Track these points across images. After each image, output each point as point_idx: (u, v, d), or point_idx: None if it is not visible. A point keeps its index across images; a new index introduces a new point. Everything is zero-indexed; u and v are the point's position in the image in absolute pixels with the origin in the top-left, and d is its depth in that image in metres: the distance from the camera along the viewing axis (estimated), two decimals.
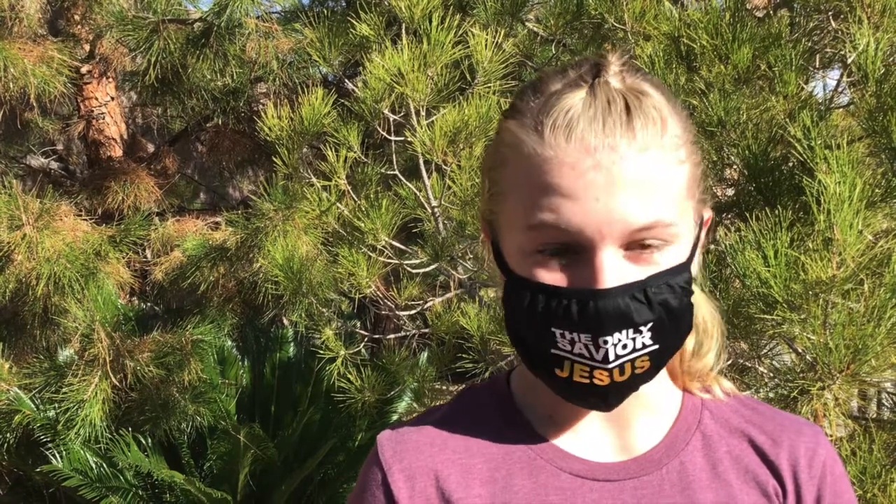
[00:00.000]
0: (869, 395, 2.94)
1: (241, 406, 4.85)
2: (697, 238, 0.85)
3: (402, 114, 2.53)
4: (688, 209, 0.83)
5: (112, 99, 5.43)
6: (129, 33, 4.13)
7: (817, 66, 2.56)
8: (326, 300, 2.93)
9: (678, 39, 2.29)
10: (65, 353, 4.38)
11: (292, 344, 5.21)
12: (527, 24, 3.15)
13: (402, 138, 2.54)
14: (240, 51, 4.39)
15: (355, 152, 2.56)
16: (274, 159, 2.69)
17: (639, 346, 0.79)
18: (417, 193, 2.60)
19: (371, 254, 2.60)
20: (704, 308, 0.95)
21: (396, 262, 2.64)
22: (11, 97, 4.19)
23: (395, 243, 2.59)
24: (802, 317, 1.77)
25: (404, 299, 2.99)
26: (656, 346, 0.80)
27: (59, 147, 6.32)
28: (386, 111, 2.51)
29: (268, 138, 2.68)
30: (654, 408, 0.90)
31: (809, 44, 2.48)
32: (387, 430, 0.92)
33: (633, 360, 0.80)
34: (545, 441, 0.88)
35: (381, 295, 2.91)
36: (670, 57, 2.28)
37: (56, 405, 3.80)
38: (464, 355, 2.75)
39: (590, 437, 0.89)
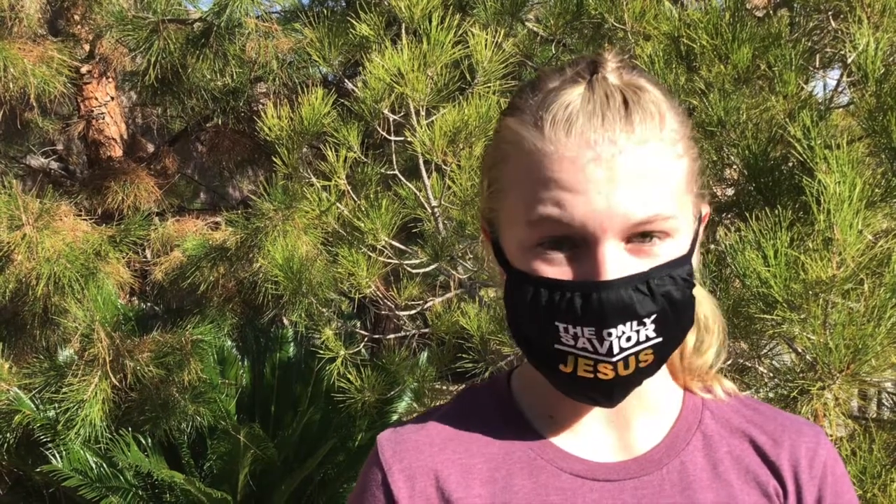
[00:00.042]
0: (869, 395, 2.94)
1: (241, 406, 4.85)
2: (697, 232, 0.86)
3: (401, 114, 2.53)
4: (687, 203, 0.83)
5: (112, 99, 5.43)
6: (128, 33, 4.13)
7: (817, 65, 2.56)
8: (326, 300, 2.93)
9: (678, 39, 2.29)
10: (65, 353, 4.38)
11: (292, 344, 5.20)
12: (527, 23, 3.15)
13: (401, 138, 2.54)
14: (240, 51, 4.39)
15: (355, 152, 2.56)
16: (274, 159, 2.68)
17: (643, 338, 0.79)
18: (417, 193, 2.59)
19: (371, 254, 2.60)
20: (706, 305, 0.95)
21: (396, 262, 2.64)
22: (11, 97, 4.19)
23: (394, 243, 2.59)
24: (802, 317, 1.77)
25: (404, 299, 2.99)
26: (660, 339, 0.80)
27: (59, 147, 6.31)
28: (386, 111, 2.51)
29: (268, 138, 2.67)
30: (654, 407, 0.90)
31: (809, 44, 2.48)
32: (387, 430, 0.92)
33: (637, 353, 0.80)
34: (545, 441, 0.88)
35: (381, 295, 2.91)
36: (670, 57, 2.28)
37: (56, 405, 3.80)
38: (464, 355, 2.75)
39: (590, 437, 0.89)
